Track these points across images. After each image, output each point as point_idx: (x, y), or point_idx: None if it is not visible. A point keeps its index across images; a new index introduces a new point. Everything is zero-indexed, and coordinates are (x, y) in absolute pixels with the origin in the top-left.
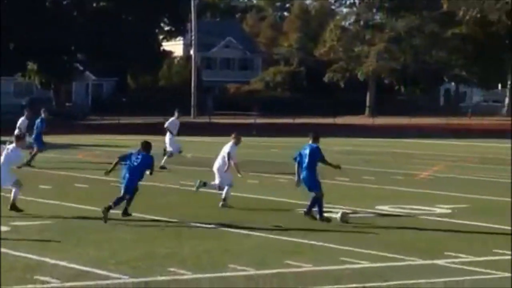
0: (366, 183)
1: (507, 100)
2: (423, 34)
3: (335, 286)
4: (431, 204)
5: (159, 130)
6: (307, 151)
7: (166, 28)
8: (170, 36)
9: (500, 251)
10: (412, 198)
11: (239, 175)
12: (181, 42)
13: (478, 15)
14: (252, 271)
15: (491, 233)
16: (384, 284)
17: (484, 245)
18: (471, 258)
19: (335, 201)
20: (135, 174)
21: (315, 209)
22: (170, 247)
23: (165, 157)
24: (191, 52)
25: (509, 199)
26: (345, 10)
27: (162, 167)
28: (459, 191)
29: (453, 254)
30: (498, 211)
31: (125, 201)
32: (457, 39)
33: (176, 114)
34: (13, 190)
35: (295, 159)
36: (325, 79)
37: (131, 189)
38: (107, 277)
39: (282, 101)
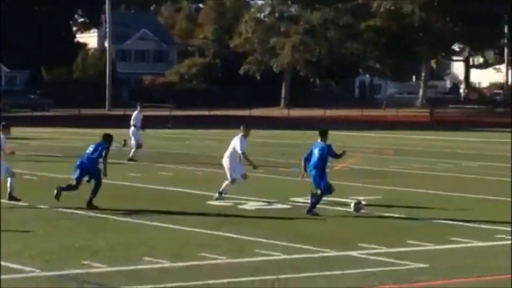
0: (281, 175)
1: (421, 92)
2: (338, 26)
3: (250, 278)
4: (346, 195)
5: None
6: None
7: (81, 20)
8: (84, 28)
9: (413, 242)
10: None
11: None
12: (96, 34)
13: (392, 8)
14: (167, 264)
15: (404, 224)
16: (299, 275)
17: (397, 236)
18: (384, 249)
19: (250, 194)
20: (89, 163)
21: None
22: (84, 240)
23: (132, 150)
24: (106, 44)
25: (420, 190)
26: (260, 2)
27: (131, 159)
28: (373, 183)
29: (367, 245)
30: (411, 203)
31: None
32: (371, 32)
33: (138, 107)
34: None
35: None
36: (241, 71)
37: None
38: (21, 271)
39: (198, 93)
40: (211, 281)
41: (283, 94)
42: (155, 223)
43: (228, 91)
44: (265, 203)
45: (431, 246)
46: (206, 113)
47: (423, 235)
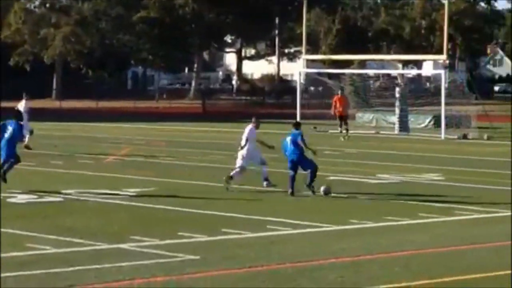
0: (53, 168)
1: (193, 84)
2: (110, 18)
3: (20, 273)
4: (118, 187)
5: None
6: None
7: None
8: None
9: (185, 234)
10: (100, 182)
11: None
12: None
13: None
14: None
15: (176, 216)
16: (69, 269)
17: (169, 228)
18: (156, 242)
19: (16, 186)
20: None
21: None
22: None
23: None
24: None
25: (193, 182)
26: None
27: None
28: (146, 174)
29: (139, 237)
30: (183, 194)
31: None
32: (143, 23)
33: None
34: None
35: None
36: (11, 62)
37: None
38: None
39: None
40: None
41: (54, 86)
42: None
43: None
44: (36, 196)
45: (203, 238)
46: None
47: (195, 226)
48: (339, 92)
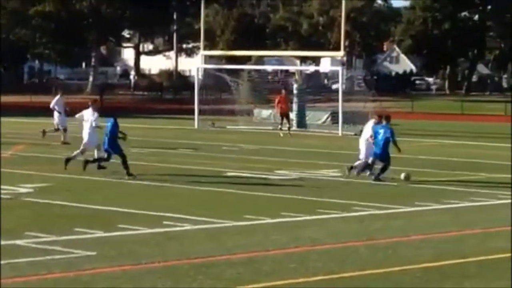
0: None
1: (91, 79)
2: (6, 12)
3: None
4: (14, 183)
5: None
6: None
7: None
8: None
9: (82, 230)
10: None
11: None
12: None
13: None
14: None
15: (73, 212)
16: None
17: (66, 224)
18: (53, 237)
19: None
20: None
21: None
22: None
23: (62, 135)
24: None
25: (86, 177)
26: None
27: (66, 143)
28: (43, 170)
29: (34, 234)
30: (79, 190)
31: None
32: (40, 17)
33: (60, 93)
34: None
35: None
36: None
37: None
38: None
39: None
40: None
41: None
42: None
43: None
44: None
45: (99, 234)
46: None
47: (91, 222)
48: (283, 91)
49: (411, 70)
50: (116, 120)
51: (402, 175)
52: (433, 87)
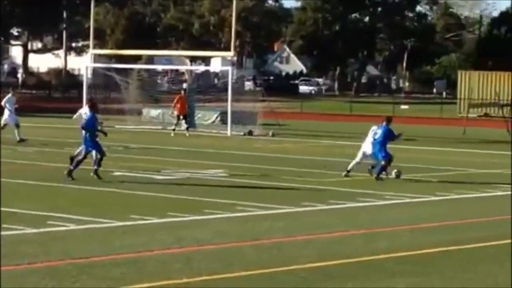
0: None
1: None
2: None
3: None
4: None
5: None
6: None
7: None
8: None
9: None
10: None
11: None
12: None
13: None
14: None
15: None
16: None
17: None
18: None
19: None
20: None
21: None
22: None
23: (15, 131)
24: None
25: None
26: None
27: (21, 140)
28: None
29: None
30: None
31: None
32: None
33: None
34: None
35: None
36: None
37: None
38: None
39: None
40: None
41: None
42: None
43: None
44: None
45: None
46: None
47: None
48: (182, 91)
49: (302, 71)
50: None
51: (393, 173)
52: (323, 87)
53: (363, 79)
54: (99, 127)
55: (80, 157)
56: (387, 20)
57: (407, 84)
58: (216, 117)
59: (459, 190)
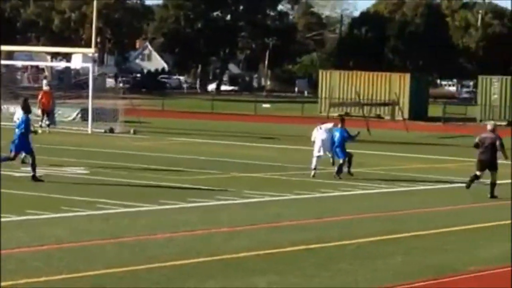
0: None
1: None
2: None
3: None
4: None
5: None
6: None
7: None
8: None
9: None
10: None
11: None
12: None
13: None
14: None
15: None
16: None
17: None
18: None
19: None
20: None
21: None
22: None
23: None
24: None
25: None
26: None
27: None
28: None
29: None
30: None
31: None
32: None
33: None
34: None
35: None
36: None
37: None
38: None
39: None
40: None
41: None
42: None
43: None
44: None
45: None
46: None
47: None
48: (47, 87)
49: (163, 68)
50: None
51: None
52: (184, 85)
53: (225, 77)
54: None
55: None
56: (249, 19)
57: (268, 82)
58: (77, 114)
59: (319, 188)
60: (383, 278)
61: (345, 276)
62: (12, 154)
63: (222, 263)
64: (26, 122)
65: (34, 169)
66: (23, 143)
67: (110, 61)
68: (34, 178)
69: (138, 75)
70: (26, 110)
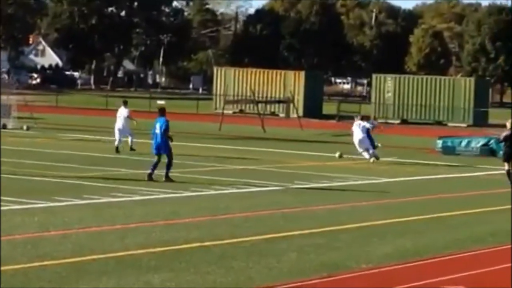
0: None
1: None
2: None
3: None
4: None
5: None
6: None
7: None
8: None
9: None
10: None
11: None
12: None
13: None
14: None
15: None
16: None
17: None
18: None
19: None
20: None
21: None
22: None
23: None
24: None
25: None
26: None
27: None
28: None
29: None
30: None
31: None
32: None
33: None
34: None
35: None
36: None
37: None
38: None
39: None
40: None
41: None
42: None
43: None
44: None
45: None
46: None
47: None
48: None
49: (57, 64)
50: None
51: (337, 154)
52: (79, 81)
53: (120, 74)
54: None
55: None
56: (144, 15)
57: (163, 79)
58: None
59: (215, 185)
60: (278, 275)
61: (239, 273)
62: None
63: (116, 260)
64: None
65: None
66: None
67: (3, 56)
68: None
69: (49, 70)
70: None
